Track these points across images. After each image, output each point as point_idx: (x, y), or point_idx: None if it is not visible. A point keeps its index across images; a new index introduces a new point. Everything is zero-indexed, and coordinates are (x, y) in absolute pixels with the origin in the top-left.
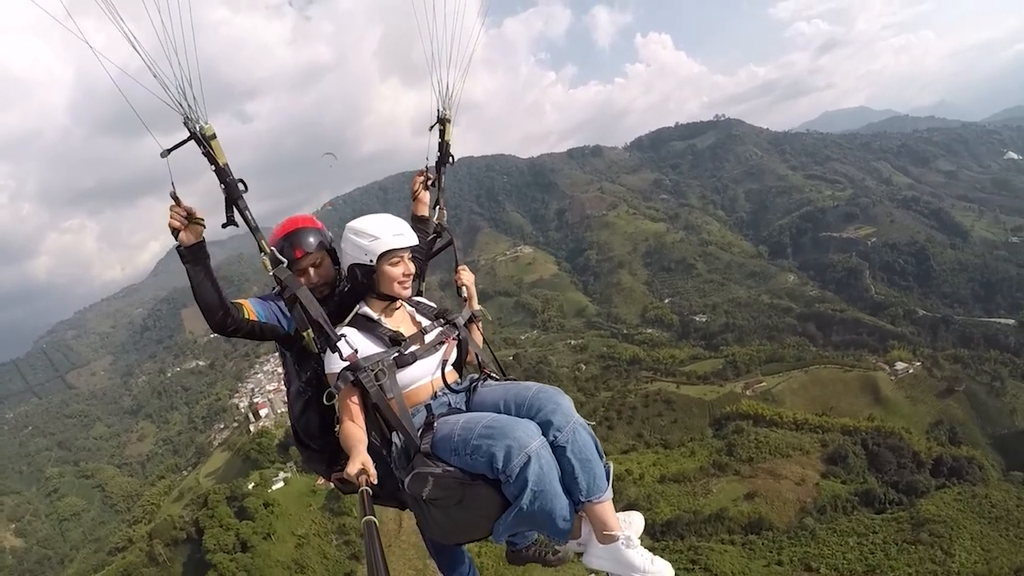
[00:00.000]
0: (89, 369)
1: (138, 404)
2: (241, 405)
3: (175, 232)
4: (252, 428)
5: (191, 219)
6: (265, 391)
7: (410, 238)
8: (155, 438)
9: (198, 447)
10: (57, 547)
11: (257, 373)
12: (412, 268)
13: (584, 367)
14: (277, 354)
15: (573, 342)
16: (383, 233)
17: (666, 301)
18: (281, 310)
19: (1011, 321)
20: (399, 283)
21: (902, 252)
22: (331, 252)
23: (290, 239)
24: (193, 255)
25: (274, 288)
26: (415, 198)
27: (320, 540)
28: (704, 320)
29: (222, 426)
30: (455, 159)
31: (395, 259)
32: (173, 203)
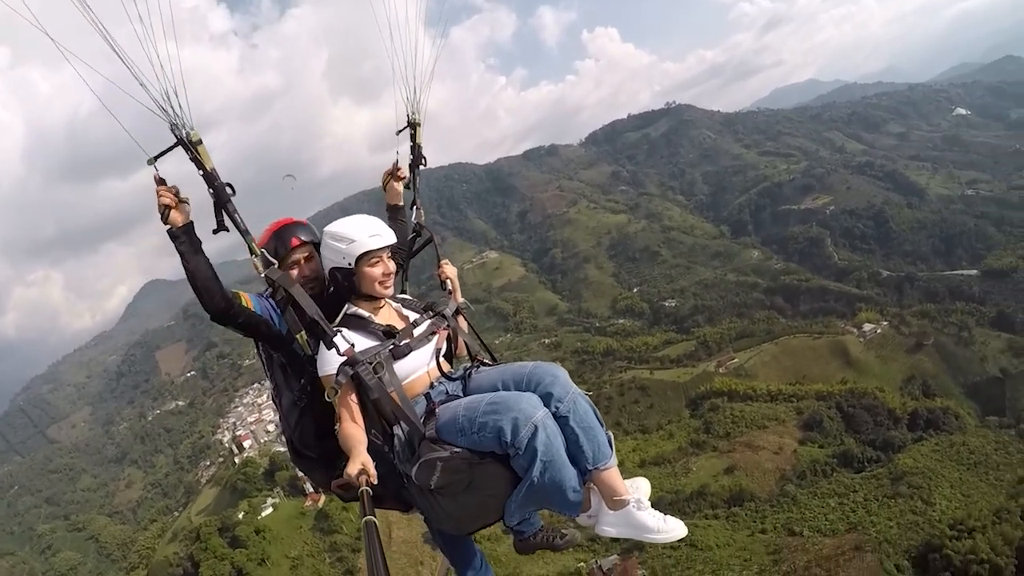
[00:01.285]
0: (69, 422)
1: (122, 451)
2: (224, 440)
3: (166, 212)
4: (237, 460)
5: (179, 198)
6: (247, 423)
7: (387, 237)
8: (143, 483)
9: (187, 486)
10: None
11: (238, 407)
12: (391, 267)
13: (560, 364)
14: (265, 371)
15: (547, 340)
16: (359, 235)
17: (635, 291)
18: (272, 308)
19: (973, 271)
20: (380, 283)
21: (861, 217)
22: (318, 248)
23: (282, 233)
24: (187, 235)
25: (265, 290)
26: (385, 189)
27: (314, 560)
28: (674, 305)
29: (208, 463)
30: (427, 160)
31: (374, 259)
32: (159, 184)
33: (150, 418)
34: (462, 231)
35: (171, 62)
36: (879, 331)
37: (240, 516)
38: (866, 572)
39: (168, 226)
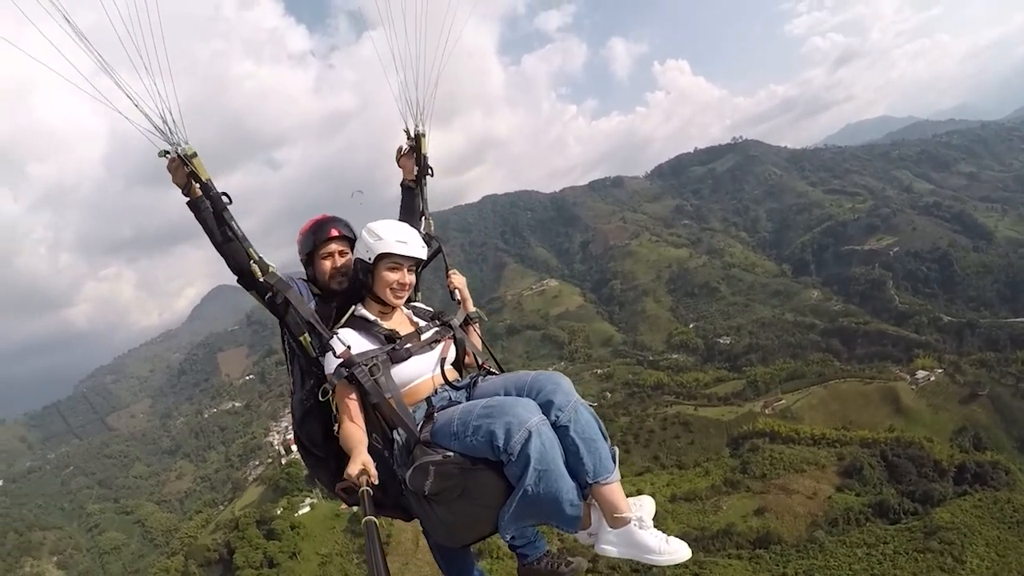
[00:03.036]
0: (128, 412)
1: (176, 444)
2: (275, 443)
3: (186, 186)
4: (284, 462)
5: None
6: None
7: (414, 249)
8: (193, 476)
9: (234, 483)
10: None
11: (291, 413)
12: (408, 279)
13: (609, 395)
14: (288, 367)
15: (599, 371)
16: (388, 236)
17: (691, 326)
18: (300, 290)
19: None
20: (391, 289)
21: (925, 259)
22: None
23: (322, 224)
24: (212, 200)
25: (272, 291)
26: (400, 166)
27: (342, 559)
28: (728, 342)
29: (257, 463)
30: (433, 171)
31: (393, 264)
32: (172, 160)
33: (206, 416)
34: (524, 258)
35: (164, 84)
36: (932, 379)
37: (278, 512)
38: None
39: (188, 198)
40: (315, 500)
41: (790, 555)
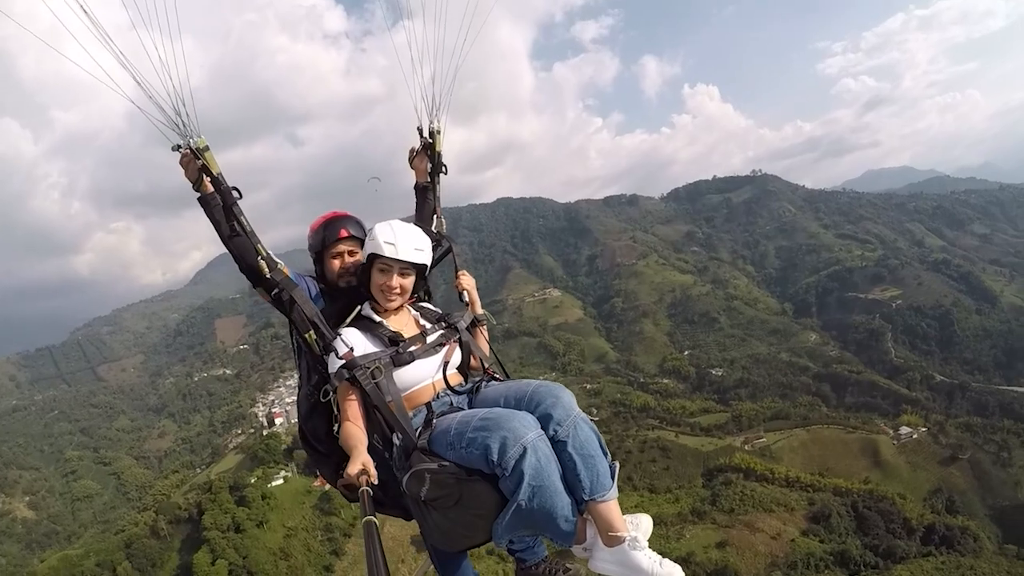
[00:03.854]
0: (120, 365)
1: (163, 403)
2: (260, 415)
3: (198, 181)
4: (264, 434)
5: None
6: (284, 403)
7: (402, 252)
8: (175, 436)
9: (214, 448)
10: (66, 524)
11: (279, 387)
12: (394, 283)
13: (595, 411)
14: (296, 361)
15: (589, 386)
16: (380, 236)
17: (685, 353)
18: (308, 288)
19: None
20: (381, 292)
21: (926, 316)
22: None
23: (333, 223)
24: (223, 194)
25: (278, 289)
26: (412, 167)
27: (307, 534)
28: (720, 374)
29: (239, 432)
30: (447, 169)
31: (383, 266)
32: (184, 154)
33: (196, 379)
34: (530, 264)
35: (180, 76)
36: (915, 436)
37: (252, 480)
38: None
39: (199, 193)
40: (289, 474)
41: None
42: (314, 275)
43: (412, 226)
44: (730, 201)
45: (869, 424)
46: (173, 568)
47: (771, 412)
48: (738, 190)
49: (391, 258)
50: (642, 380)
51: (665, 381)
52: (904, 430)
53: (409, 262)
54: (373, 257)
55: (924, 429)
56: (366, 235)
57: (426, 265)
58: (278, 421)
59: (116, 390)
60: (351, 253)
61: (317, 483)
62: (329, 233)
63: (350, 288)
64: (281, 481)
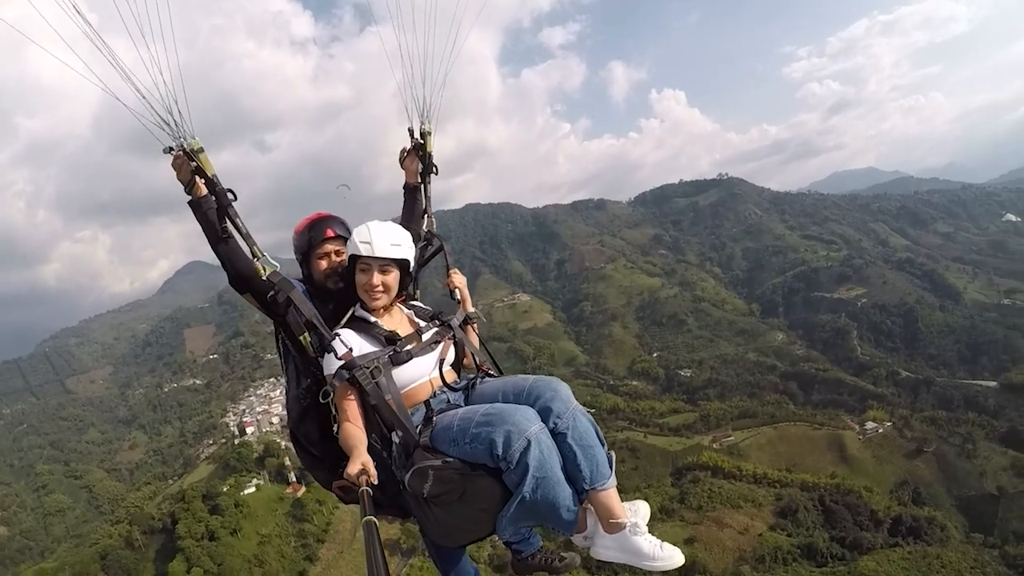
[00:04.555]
0: (88, 376)
1: (133, 414)
2: (231, 424)
3: (190, 183)
4: (236, 443)
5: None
6: (255, 412)
7: (378, 248)
8: (146, 448)
9: (186, 459)
10: (39, 539)
11: (250, 396)
12: (375, 281)
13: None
14: (282, 364)
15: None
16: (357, 237)
17: (654, 355)
18: (303, 292)
19: (993, 383)
20: (365, 291)
21: (891, 313)
22: None
23: (318, 224)
24: (218, 195)
25: (274, 290)
26: (403, 167)
27: (280, 541)
28: (688, 375)
29: (211, 442)
30: (438, 169)
31: (363, 266)
32: (177, 156)
33: (166, 390)
34: (499, 269)
35: (172, 75)
36: (880, 431)
37: (224, 489)
38: None
39: (190, 197)
40: (261, 481)
41: None
42: (300, 278)
43: (389, 223)
44: (697, 204)
45: (835, 420)
46: None
47: (739, 411)
48: (705, 193)
49: (368, 256)
50: (612, 382)
51: (634, 383)
52: (870, 425)
53: (387, 258)
54: (354, 259)
55: (889, 424)
56: (348, 232)
57: (407, 260)
58: (249, 430)
59: (85, 402)
60: (338, 253)
61: (289, 490)
62: (315, 234)
63: (338, 290)
64: (253, 489)
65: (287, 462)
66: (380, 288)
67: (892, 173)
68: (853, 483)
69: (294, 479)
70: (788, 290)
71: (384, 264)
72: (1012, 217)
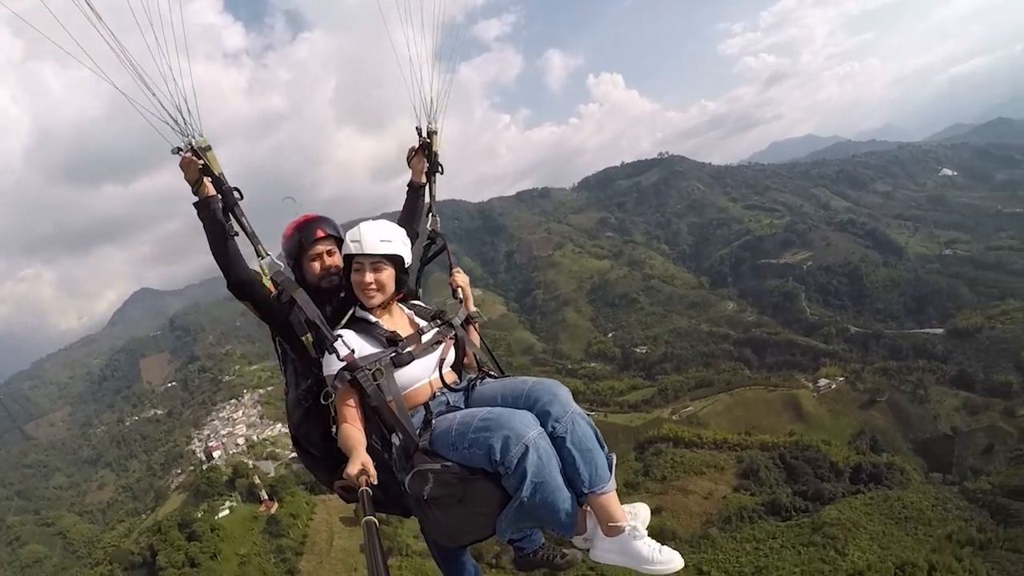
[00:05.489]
0: (47, 420)
1: (97, 453)
2: (197, 451)
3: (197, 183)
4: (204, 468)
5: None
6: (220, 435)
7: (368, 245)
8: (115, 486)
9: (156, 491)
10: None
11: (213, 420)
12: (372, 279)
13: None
14: (280, 367)
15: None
16: (348, 238)
17: (609, 335)
18: None
19: (940, 330)
20: (360, 290)
21: (836, 273)
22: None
23: (307, 226)
24: (225, 195)
25: (278, 290)
26: (410, 166)
27: (260, 559)
28: (644, 351)
29: (179, 471)
30: (443, 169)
31: (356, 265)
32: (185, 155)
33: (128, 424)
34: (448, 267)
35: (182, 73)
36: (833, 386)
37: (199, 515)
38: None
39: (196, 197)
40: (234, 503)
41: (683, 550)
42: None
43: (380, 220)
44: (640, 185)
45: (790, 381)
46: None
47: (695, 381)
48: (647, 173)
49: (360, 255)
50: (570, 366)
51: (592, 365)
52: (823, 382)
53: (378, 255)
54: (348, 260)
55: (842, 378)
56: (340, 235)
57: (400, 256)
58: (216, 454)
59: (47, 447)
60: (329, 253)
61: (262, 508)
62: (305, 236)
63: (333, 291)
64: (227, 512)
65: (257, 480)
66: (374, 286)
67: (831, 139)
68: (811, 439)
69: (266, 496)
70: (735, 260)
71: (376, 261)
72: (948, 172)
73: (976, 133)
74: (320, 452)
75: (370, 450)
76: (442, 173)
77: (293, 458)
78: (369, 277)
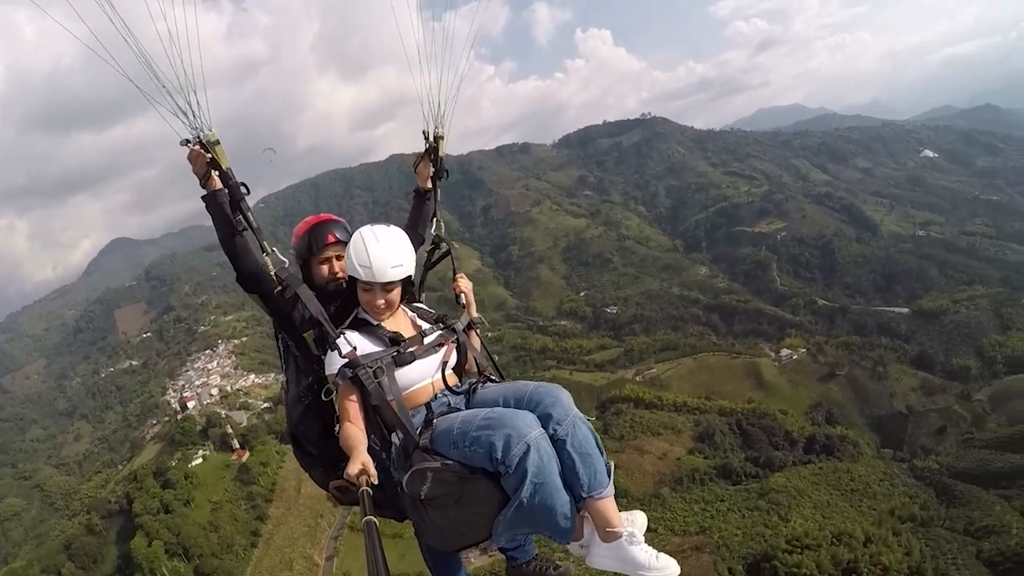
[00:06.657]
0: (23, 372)
1: (73, 405)
2: (172, 401)
3: (205, 177)
4: (179, 418)
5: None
6: (194, 386)
7: (378, 274)
8: (91, 437)
9: (132, 442)
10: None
11: (188, 371)
12: (379, 302)
13: (496, 358)
14: (281, 363)
15: (490, 334)
16: (356, 259)
17: (581, 294)
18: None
19: (905, 310)
20: (370, 309)
21: (809, 245)
22: None
23: (318, 229)
24: (231, 189)
25: (282, 286)
26: (416, 172)
27: (231, 506)
28: (615, 312)
29: (155, 422)
30: (449, 174)
31: (364, 285)
32: (194, 148)
33: (103, 375)
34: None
35: (193, 68)
36: (795, 357)
37: (173, 463)
38: (699, 570)
39: (204, 191)
40: (207, 452)
41: (633, 507)
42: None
43: (388, 239)
44: (620, 145)
45: (753, 349)
46: (114, 559)
47: (662, 344)
48: (628, 133)
49: (366, 280)
50: (541, 324)
51: (563, 323)
52: (785, 352)
53: (374, 281)
54: (352, 278)
55: (804, 350)
56: (348, 234)
57: (410, 275)
58: (190, 404)
59: (23, 399)
60: (339, 258)
61: (234, 457)
62: (315, 239)
63: (338, 291)
64: (200, 460)
65: (229, 429)
66: (383, 306)
67: (817, 110)
68: (769, 407)
69: (237, 445)
70: (711, 225)
71: (386, 284)
72: (930, 153)
73: (962, 117)
74: (318, 450)
75: (368, 449)
76: (447, 178)
77: (265, 408)
78: (380, 300)
